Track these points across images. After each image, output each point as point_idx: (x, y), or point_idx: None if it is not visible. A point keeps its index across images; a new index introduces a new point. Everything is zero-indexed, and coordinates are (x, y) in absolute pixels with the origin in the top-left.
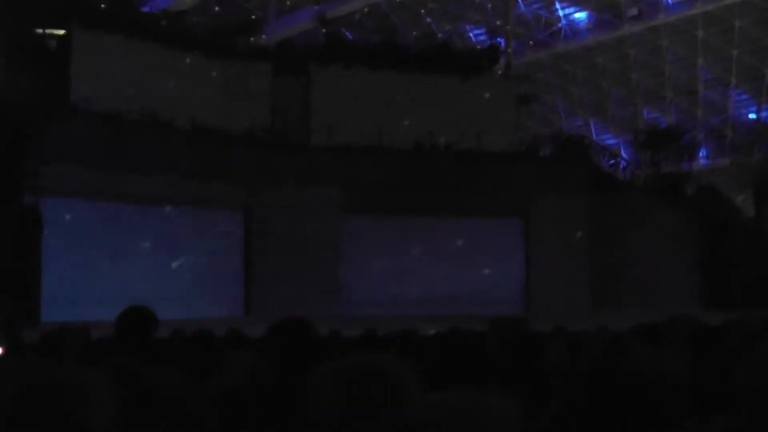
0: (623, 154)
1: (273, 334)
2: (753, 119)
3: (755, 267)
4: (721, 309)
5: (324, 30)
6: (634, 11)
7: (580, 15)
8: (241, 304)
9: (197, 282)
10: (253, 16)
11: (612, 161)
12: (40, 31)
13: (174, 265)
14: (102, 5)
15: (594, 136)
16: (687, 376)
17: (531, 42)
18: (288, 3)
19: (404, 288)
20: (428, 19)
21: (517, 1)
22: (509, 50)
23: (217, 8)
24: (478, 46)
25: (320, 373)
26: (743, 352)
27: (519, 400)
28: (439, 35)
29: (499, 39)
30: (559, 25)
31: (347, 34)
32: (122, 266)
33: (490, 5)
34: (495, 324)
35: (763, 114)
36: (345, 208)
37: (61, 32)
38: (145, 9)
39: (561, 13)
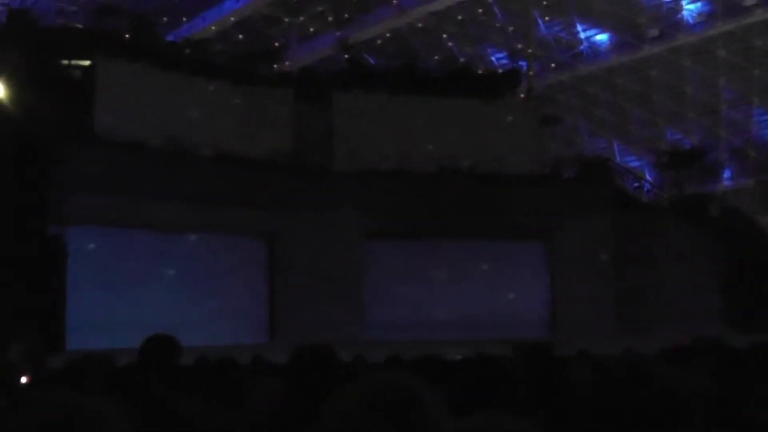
0: (646, 176)
1: (296, 361)
2: None
3: None
4: (746, 330)
5: (345, 55)
6: (654, 32)
7: (601, 36)
8: (265, 330)
9: (221, 308)
10: (275, 43)
11: (635, 183)
12: (64, 61)
13: (198, 291)
14: (126, 35)
15: (616, 157)
16: (714, 398)
17: (552, 64)
18: (310, 29)
19: (428, 312)
20: (449, 43)
21: (538, 24)
22: (530, 73)
23: (240, 36)
24: (500, 69)
25: (343, 396)
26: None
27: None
28: (461, 59)
29: (520, 62)
30: (581, 47)
31: (369, 59)
32: (146, 294)
33: (510, 28)
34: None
35: None
36: (368, 232)
37: (86, 62)
38: (169, 38)
39: (582, 35)
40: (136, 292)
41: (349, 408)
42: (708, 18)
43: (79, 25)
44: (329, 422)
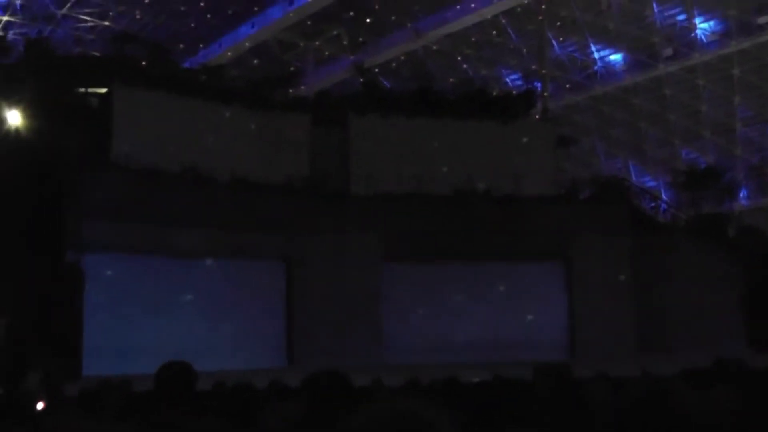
0: (663, 196)
1: (309, 386)
2: None
3: None
4: (766, 349)
5: (361, 79)
6: (669, 51)
7: (616, 56)
8: (283, 355)
9: (239, 333)
10: (291, 68)
11: (652, 203)
12: (82, 89)
13: (216, 317)
14: (142, 62)
15: (633, 177)
16: (737, 420)
17: (567, 85)
18: (326, 53)
19: (447, 335)
20: (464, 65)
21: (552, 45)
22: (546, 93)
23: (256, 61)
24: (515, 91)
25: (355, 421)
26: None
27: None
28: (476, 80)
29: (535, 83)
30: (595, 67)
31: (384, 82)
32: (164, 319)
33: (525, 49)
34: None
35: None
36: (386, 255)
37: (103, 90)
38: (185, 64)
39: (596, 55)
40: (154, 319)
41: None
42: (721, 37)
43: (96, 53)
44: None
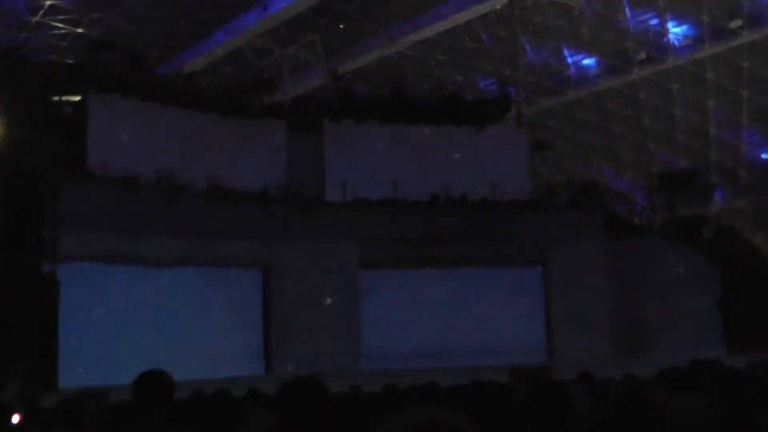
0: (639, 199)
1: (284, 394)
2: (767, 159)
3: None
4: (743, 351)
5: (335, 85)
6: (642, 55)
7: (589, 61)
8: (261, 363)
9: (217, 342)
10: (266, 75)
11: (628, 206)
12: (56, 97)
13: (193, 325)
14: (117, 70)
15: (609, 181)
16: (715, 420)
17: (541, 90)
18: (300, 60)
19: (425, 341)
20: (438, 71)
21: (526, 51)
22: (520, 99)
23: (231, 68)
24: (489, 96)
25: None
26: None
27: None
28: (450, 86)
29: (509, 88)
30: (569, 72)
31: (359, 88)
32: (141, 329)
33: (499, 55)
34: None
35: None
36: (362, 262)
37: (78, 98)
38: (160, 71)
39: (570, 60)
40: (131, 328)
41: None
42: (694, 41)
43: (71, 61)
44: None
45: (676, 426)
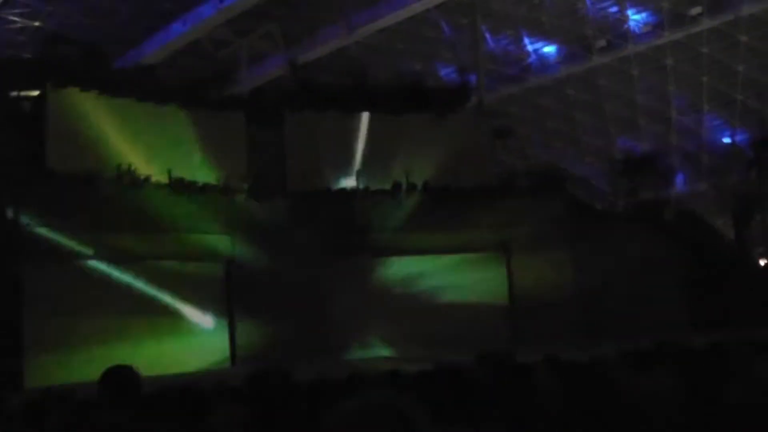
0: (601, 183)
1: (250, 385)
2: (727, 143)
3: (736, 289)
4: (704, 332)
5: (295, 75)
6: (602, 43)
7: (549, 48)
8: (226, 355)
9: (182, 336)
10: (225, 66)
11: (590, 191)
12: (14, 92)
13: (157, 319)
14: (75, 64)
15: (570, 166)
16: (677, 398)
17: (502, 77)
18: (259, 51)
19: (389, 328)
20: (398, 60)
21: (486, 38)
22: (481, 86)
23: (189, 60)
24: (450, 84)
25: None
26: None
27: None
28: (410, 75)
29: (470, 76)
30: (529, 59)
31: (318, 78)
32: (105, 325)
33: (459, 44)
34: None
35: (737, 138)
36: (326, 251)
37: (36, 93)
38: (117, 65)
39: (530, 47)
40: (96, 325)
41: (341, 424)
42: (654, 28)
43: (28, 56)
44: None
45: (639, 405)
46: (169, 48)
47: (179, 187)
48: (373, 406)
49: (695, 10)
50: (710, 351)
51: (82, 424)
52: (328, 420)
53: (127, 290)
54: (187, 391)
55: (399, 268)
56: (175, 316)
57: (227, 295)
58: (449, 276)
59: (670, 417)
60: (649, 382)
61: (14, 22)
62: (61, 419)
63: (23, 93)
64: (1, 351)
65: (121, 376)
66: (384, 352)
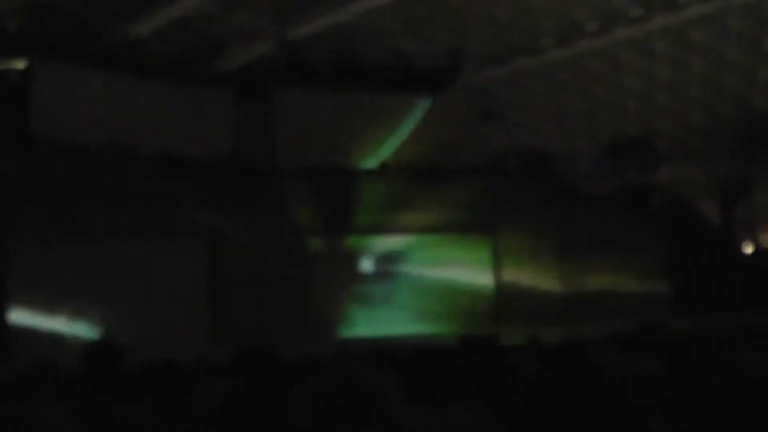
0: (588, 166)
1: (236, 364)
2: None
3: (722, 273)
4: (690, 315)
5: (284, 53)
6: (592, 26)
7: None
8: (209, 333)
9: (165, 312)
10: (214, 41)
11: (577, 173)
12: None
13: (141, 298)
14: (62, 35)
15: (558, 149)
16: (662, 383)
17: (492, 59)
18: (249, 26)
19: (374, 308)
20: (389, 38)
21: (476, 20)
22: (470, 67)
23: (178, 34)
24: (439, 64)
25: (305, 389)
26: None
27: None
28: (400, 54)
29: (459, 56)
30: (519, 41)
31: (308, 55)
32: (89, 302)
33: (449, 24)
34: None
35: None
36: (312, 230)
37: (21, 65)
38: (106, 38)
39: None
40: (80, 301)
41: (309, 400)
42: (645, 12)
43: (14, 27)
44: (295, 416)
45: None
46: (158, 22)
47: (166, 161)
48: (345, 382)
49: None
50: (693, 335)
51: (65, 399)
52: (300, 396)
53: (111, 267)
54: (170, 368)
55: (383, 247)
56: (158, 294)
57: (212, 274)
58: (433, 255)
59: (652, 400)
60: (633, 366)
61: None
62: (45, 394)
63: (8, 65)
64: None
65: (105, 352)
66: (368, 332)
